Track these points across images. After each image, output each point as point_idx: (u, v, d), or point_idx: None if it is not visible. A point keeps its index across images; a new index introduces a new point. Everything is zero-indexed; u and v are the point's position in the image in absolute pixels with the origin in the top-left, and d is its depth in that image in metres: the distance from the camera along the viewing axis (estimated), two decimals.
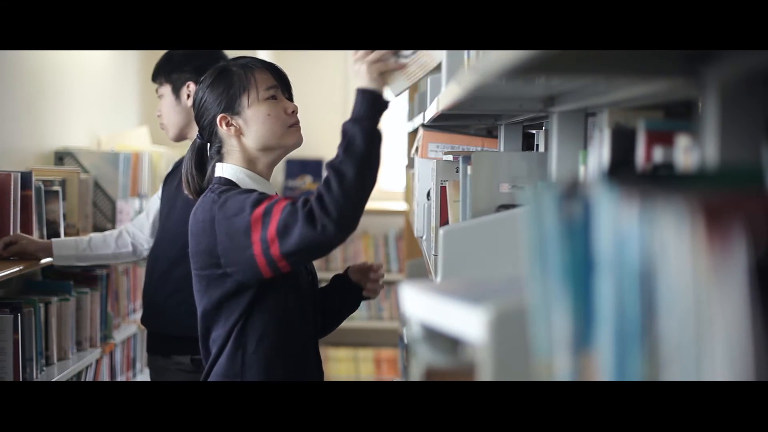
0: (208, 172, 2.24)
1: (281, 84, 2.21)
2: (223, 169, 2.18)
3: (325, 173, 2.03)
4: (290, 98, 2.24)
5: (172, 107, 3.04)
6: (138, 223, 3.20)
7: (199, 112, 2.22)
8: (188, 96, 3.00)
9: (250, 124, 2.16)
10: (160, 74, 3.08)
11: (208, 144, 2.24)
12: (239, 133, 2.17)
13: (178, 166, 2.98)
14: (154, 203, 3.16)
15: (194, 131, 2.96)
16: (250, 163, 2.18)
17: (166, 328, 2.89)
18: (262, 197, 2.05)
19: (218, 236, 2.06)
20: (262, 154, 2.19)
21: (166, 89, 3.05)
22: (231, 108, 2.17)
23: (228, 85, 2.18)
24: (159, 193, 3.13)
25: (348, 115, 2.07)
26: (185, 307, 2.68)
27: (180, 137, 3.08)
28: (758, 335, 0.59)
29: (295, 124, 2.20)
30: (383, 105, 2.05)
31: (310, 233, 1.96)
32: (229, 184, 2.14)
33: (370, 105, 2.03)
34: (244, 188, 2.12)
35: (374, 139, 2.02)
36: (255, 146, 2.17)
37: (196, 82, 2.97)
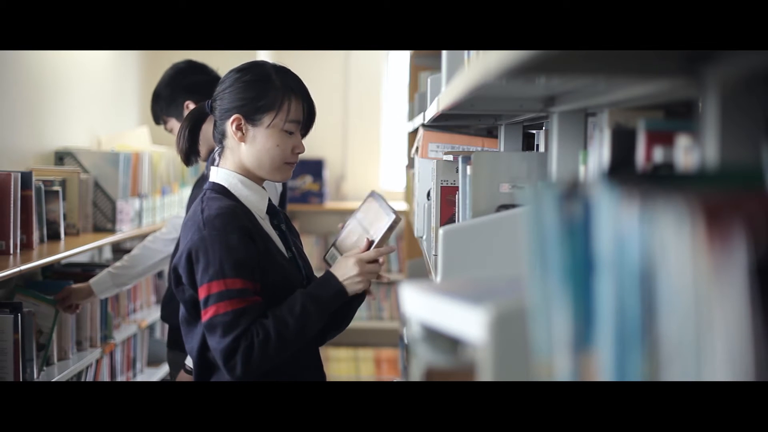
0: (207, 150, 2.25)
1: (306, 120, 2.17)
2: (218, 174, 2.17)
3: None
4: (306, 133, 2.19)
5: None
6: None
7: (219, 94, 2.18)
8: None
9: (257, 143, 2.13)
10: (159, 114, 3.15)
11: (212, 125, 2.23)
12: (242, 140, 2.14)
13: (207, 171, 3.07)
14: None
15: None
16: (244, 169, 2.16)
17: None
18: (224, 271, 2.01)
19: (183, 263, 2.07)
20: (252, 169, 2.16)
21: (172, 121, 3.11)
22: (249, 117, 2.13)
23: (261, 95, 2.12)
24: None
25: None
26: None
27: (208, 154, 3.10)
28: (758, 335, 0.59)
29: (293, 164, 2.17)
30: (341, 298, 2.12)
31: (219, 358, 2.03)
32: (221, 192, 2.13)
33: (338, 300, 2.10)
34: (226, 227, 2.04)
35: (322, 323, 2.10)
36: (247, 161, 2.15)
37: (193, 99, 3.04)
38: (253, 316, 2.02)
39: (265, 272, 2.07)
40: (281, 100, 2.12)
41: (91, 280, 3.18)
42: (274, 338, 2.02)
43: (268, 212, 2.20)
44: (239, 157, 2.15)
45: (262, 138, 2.12)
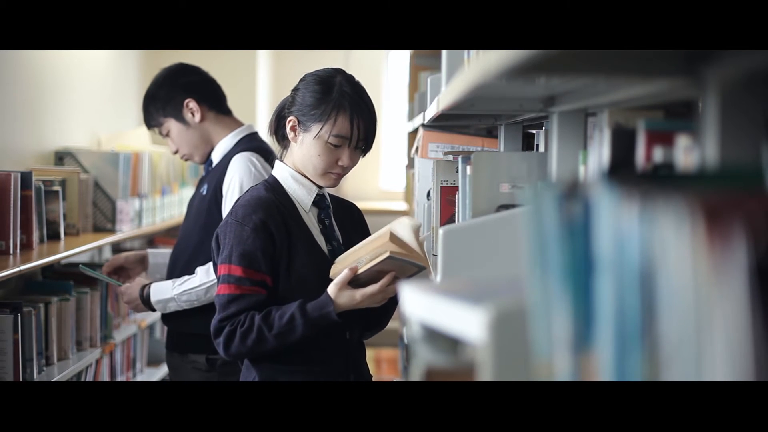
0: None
1: (358, 137, 2.24)
2: (276, 167, 2.32)
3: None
4: (366, 148, 2.28)
5: (184, 133, 2.96)
6: None
7: (293, 91, 2.29)
8: (192, 114, 2.95)
9: (304, 147, 2.25)
10: (155, 116, 2.97)
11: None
12: (295, 140, 2.27)
13: (205, 173, 3.02)
14: None
15: (218, 138, 2.97)
16: (296, 166, 2.29)
17: (184, 326, 2.89)
18: (231, 257, 2.18)
19: (213, 241, 2.27)
20: (300, 168, 2.28)
21: (170, 122, 2.96)
22: (302, 122, 2.25)
23: (316, 104, 2.23)
24: None
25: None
26: (203, 305, 2.77)
27: (207, 155, 3.00)
28: (758, 335, 0.59)
29: (338, 174, 2.27)
30: (333, 326, 2.18)
31: (211, 333, 2.20)
32: (272, 183, 2.28)
33: (324, 321, 2.15)
34: (244, 218, 2.19)
35: (310, 334, 2.16)
36: (297, 160, 2.27)
37: (194, 98, 2.94)
38: (246, 304, 2.17)
39: (290, 261, 2.20)
40: (329, 113, 2.22)
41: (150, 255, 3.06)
42: (255, 333, 2.15)
43: (317, 206, 2.31)
44: (293, 155, 2.29)
45: (308, 144, 2.25)
